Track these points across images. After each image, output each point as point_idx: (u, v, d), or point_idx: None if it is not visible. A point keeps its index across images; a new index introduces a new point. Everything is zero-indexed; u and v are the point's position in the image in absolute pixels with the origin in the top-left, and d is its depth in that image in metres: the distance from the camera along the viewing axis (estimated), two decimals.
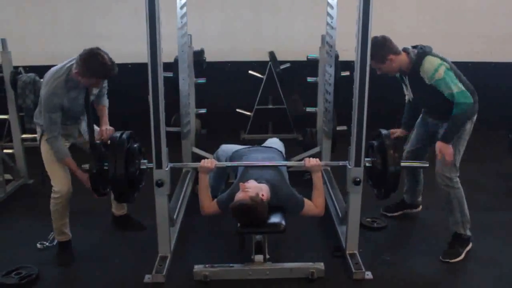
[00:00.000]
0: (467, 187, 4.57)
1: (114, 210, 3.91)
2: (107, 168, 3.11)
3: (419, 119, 3.78)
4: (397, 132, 3.82)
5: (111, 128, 3.45)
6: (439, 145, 3.28)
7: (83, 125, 3.54)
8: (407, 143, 3.88)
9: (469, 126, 3.39)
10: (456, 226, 3.50)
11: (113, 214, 3.94)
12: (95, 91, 3.45)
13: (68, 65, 3.22)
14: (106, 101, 3.66)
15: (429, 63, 3.24)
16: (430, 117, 3.63)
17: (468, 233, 3.51)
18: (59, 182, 3.38)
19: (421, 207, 4.10)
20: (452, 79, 3.19)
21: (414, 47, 3.38)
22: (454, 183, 3.44)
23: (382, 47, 3.29)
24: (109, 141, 3.27)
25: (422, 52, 3.30)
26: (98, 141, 3.34)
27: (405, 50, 3.38)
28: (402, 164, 3.17)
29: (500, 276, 3.27)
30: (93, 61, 3.08)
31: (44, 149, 3.39)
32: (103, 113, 3.59)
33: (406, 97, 3.77)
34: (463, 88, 3.18)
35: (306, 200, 3.28)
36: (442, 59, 3.28)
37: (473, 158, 5.54)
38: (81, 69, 3.09)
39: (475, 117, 3.42)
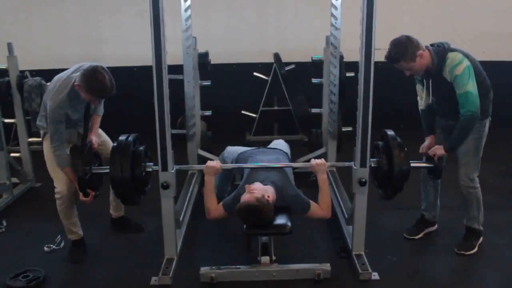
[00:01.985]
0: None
1: (112, 211, 3.94)
2: (95, 171, 3.22)
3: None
4: (427, 142, 3.56)
5: (97, 140, 3.49)
6: (439, 150, 3.31)
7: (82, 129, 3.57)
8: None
9: (487, 126, 3.41)
10: (472, 221, 3.55)
11: (111, 215, 3.95)
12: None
13: (73, 75, 3.26)
14: (101, 111, 3.69)
15: (452, 58, 3.17)
16: (446, 118, 3.49)
17: (481, 227, 3.58)
18: (60, 182, 3.41)
19: (437, 225, 3.92)
20: (469, 78, 3.13)
21: (432, 45, 3.30)
22: (475, 183, 3.46)
23: (410, 45, 3.18)
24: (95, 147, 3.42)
25: (443, 48, 3.23)
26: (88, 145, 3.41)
27: (426, 47, 3.27)
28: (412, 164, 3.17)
29: (508, 276, 3.25)
30: (93, 80, 3.13)
31: (47, 150, 3.43)
32: (95, 122, 3.62)
33: (421, 104, 3.59)
34: (475, 91, 3.12)
35: (312, 202, 3.28)
36: (465, 54, 3.21)
37: (481, 157, 5.55)
38: (81, 84, 3.15)
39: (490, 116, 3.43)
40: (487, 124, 3.41)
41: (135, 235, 3.87)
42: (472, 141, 3.35)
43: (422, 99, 3.56)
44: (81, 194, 3.33)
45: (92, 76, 3.13)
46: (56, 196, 3.44)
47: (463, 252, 3.48)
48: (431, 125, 3.60)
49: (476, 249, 3.51)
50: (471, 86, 3.13)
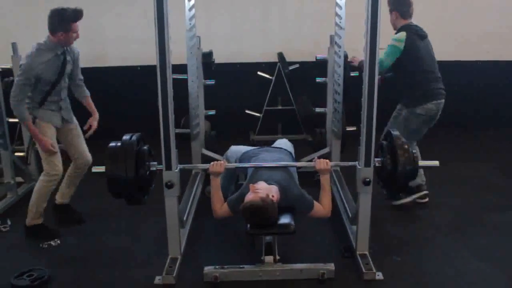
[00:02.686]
0: (475, 186, 4.58)
1: (58, 197, 4.02)
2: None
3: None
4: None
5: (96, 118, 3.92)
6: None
7: (67, 113, 3.88)
8: None
9: (417, 112, 4.01)
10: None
11: (55, 201, 4.03)
12: (69, 67, 3.79)
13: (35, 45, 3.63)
14: (86, 91, 4.01)
15: (400, 34, 3.97)
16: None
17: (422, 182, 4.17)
18: (57, 164, 3.72)
19: (426, 195, 4.21)
20: (391, 52, 3.94)
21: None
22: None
23: (393, 1, 4.05)
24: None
25: (405, 27, 4.01)
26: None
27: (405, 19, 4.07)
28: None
29: (510, 277, 3.24)
30: (62, 11, 3.55)
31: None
32: (89, 101, 3.99)
33: None
34: (385, 59, 3.93)
35: (315, 202, 3.28)
36: (409, 33, 3.96)
37: (481, 157, 5.55)
38: (53, 25, 3.59)
39: (441, 105, 4.05)
40: (418, 111, 4.00)
41: (140, 234, 3.87)
42: (403, 120, 4.08)
43: None
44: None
45: (57, 10, 3.55)
46: (50, 178, 3.71)
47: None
48: None
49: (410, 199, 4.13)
50: (386, 57, 3.93)
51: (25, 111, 3.55)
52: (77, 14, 3.56)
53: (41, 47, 3.61)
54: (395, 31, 4.07)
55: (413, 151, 3.35)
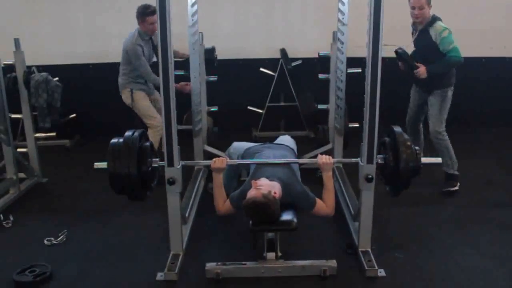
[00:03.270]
0: (478, 183, 4.58)
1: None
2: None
3: (412, 90, 4.73)
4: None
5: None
6: (422, 69, 4.21)
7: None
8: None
9: (450, 93, 4.34)
10: (447, 167, 4.43)
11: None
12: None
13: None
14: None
15: (440, 24, 4.20)
16: (420, 87, 4.56)
17: (456, 172, 4.45)
18: (157, 116, 4.76)
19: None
20: (453, 39, 4.16)
21: None
22: (444, 135, 4.38)
23: None
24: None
25: (437, 17, 4.27)
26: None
27: None
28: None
29: None
30: (141, 8, 4.63)
31: (138, 102, 4.84)
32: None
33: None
34: (458, 47, 4.17)
35: (317, 199, 3.27)
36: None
37: (484, 154, 5.53)
38: (140, 19, 4.66)
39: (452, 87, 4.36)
40: (450, 93, 4.34)
41: (142, 231, 3.87)
42: (438, 103, 4.34)
43: None
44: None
45: (143, 6, 4.62)
46: (154, 129, 4.71)
47: (448, 189, 4.37)
48: None
49: (457, 187, 4.40)
50: (454, 44, 4.16)
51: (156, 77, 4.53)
52: (151, 9, 4.58)
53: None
54: (421, 26, 4.30)
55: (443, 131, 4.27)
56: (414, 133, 4.78)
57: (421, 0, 4.15)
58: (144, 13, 4.59)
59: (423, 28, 4.28)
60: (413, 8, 4.24)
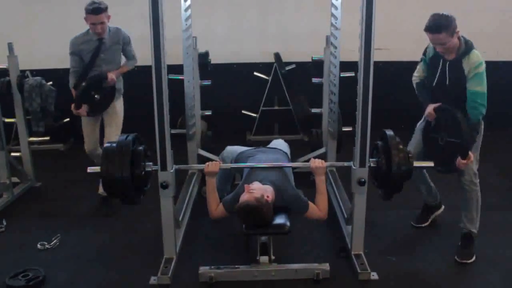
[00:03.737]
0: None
1: (101, 191, 4.12)
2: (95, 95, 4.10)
3: (421, 126, 3.68)
4: (429, 109, 3.47)
5: (114, 79, 4.19)
6: (464, 159, 3.27)
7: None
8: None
9: (482, 128, 3.46)
10: (470, 223, 3.53)
11: (101, 195, 4.12)
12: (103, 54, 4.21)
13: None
14: (130, 64, 4.48)
15: (477, 55, 3.26)
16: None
17: (476, 230, 3.56)
18: (85, 140, 4.31)
19: (443, 206, 4.02)
20: (485, 79, 3.26)
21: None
22: (477, 183, 3.50)
23: (453, 20, 3.24)
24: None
25: (471, 43, 3.32)
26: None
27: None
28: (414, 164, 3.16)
29: (507, 276, 3.25)
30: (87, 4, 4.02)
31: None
32: (123, 66, 4.41)
33: (416, 78, 3.65)
34: (486, 92, 3.25)
35: (310, 203, 3.28)
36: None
37: (481, 158, 5.54)
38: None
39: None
40: (483, 125, 3.47)
41: (136, 234, 3.87)
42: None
43: (419, 74, 3.63)
44: (73, 105, 4.08)
45: (89, 2, 4.02)
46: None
47: (465, 261, 3.41)
48: (429, 95, 3.55)
49: (474, 256, 3.45)
50: (486, 88, 3.24)
51: None
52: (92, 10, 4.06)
53: None
54: (453, 55, 3.34)
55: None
56: (423, 181, 3.85)
57: (440, 36, 3.22)
58: (85, 9, 4.07)
59: (454, 59, 3.33)
60: (434, 44, 3.36)
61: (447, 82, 3.40)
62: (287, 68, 6.03)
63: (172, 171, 3.19)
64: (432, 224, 3.95)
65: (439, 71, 3.42)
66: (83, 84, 4.08)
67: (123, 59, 4.49)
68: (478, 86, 3.22)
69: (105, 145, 3.30)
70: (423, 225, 3.94)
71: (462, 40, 3.30)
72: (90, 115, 4.18)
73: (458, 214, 3.66)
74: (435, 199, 3.93)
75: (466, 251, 3.48)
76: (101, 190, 4.17)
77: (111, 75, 4.14)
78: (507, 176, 5.02)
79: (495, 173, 5.08)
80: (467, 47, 3.29)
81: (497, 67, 6.40)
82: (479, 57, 3.26)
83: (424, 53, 3.57)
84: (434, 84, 3.48)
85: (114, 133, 4.10)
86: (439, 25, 3.21)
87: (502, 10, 6.34)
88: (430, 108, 3.46)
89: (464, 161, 3.27)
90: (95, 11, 3.98)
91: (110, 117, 4.29)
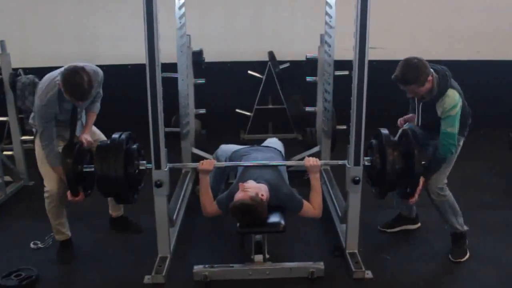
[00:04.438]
0: (468, 185, 4.59)
1: (111, 211, 3.91)
2: (86, 169, 3.19)
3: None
4: (407, 117, 3.65)
5: (90, 140, 3.42)
6: (422, 182, 3.26)
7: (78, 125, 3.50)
8: None
9: (460, 143, 3.45)
10: (452, 228, 3.53)
11: (111, 215, 3.93)
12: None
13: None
14: (96, 108, 3.60)
15: (451, 98, 3.21)
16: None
17: (464, 228, 3.53)
18: (50, 181, 3.38)
19: (419, 224, 3.95)
20: (458, 120, 3.23)
21: (434, 69, 3.26)
22: (445, 191, 3.45)
23: (424, 70, 3.15)
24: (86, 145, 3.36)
25: (445, 81, 3.23)
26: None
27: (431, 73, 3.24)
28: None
29: (501, 276, 3.27)
30: (71, 80, 3.05)
31: (38, 148, 3.39)
32: (89, 119, 3.55)
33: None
34: (457, 134, 3.25)
35: (305, 201, 3.28)
36: (459, 92, 3.28)
37: (473, 157, 5.55)
38: (61, 83, 3.09)
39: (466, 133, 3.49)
40: (461, 143, 3.46)
41: (130, 233, 3.85)
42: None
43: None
44: (69, 193, 3.25)
45: (70, 76, 3.05)
46: (45, 195, 3.41)
47: (459, 260, 3.43)
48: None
49: (468, 253, 3.48)
50: (457, 129, 3.23)
51: None
52: (81, 97, 3.17)
53: None
54: (427, 96, 3.28)
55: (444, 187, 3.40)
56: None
57: (409, 87, 3.20)
58: (64, 85, 3.08)
59: (428, 99, 3.30)
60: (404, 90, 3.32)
61: (420, 122, 3.45)
62: (281, 66, 6.03)
63: (166, 169, 3.18)
64: (426, 224, 3.93)
65: (420, 110, 3.44)
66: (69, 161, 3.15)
67: None
68: (449, 127, 3.21)
69: (98, 143, 3.29)
70: (388, 230, 3.87)
71: (435, 81, 3.22)
72: (87, 195, 3.40)
73: None
74: (409, 210, 3.87)
75: (458, 249, 3.49)
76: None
77: (86, 138, 3.39)
78: (503, 176, 5.04)
79: (492, 172, 5.10)
80: (440, 90, 3.22)
81: (491, 66, 6.45)
82: (454, 99, 3.20)
83: None
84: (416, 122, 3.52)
85: None
86: (407, 78, 3.16)
87: (495, 9, 6.35)
88: (404, 117, 3.65)
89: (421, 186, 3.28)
90: (81, 98, 3.18)
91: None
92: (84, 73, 3.08)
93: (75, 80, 3.04)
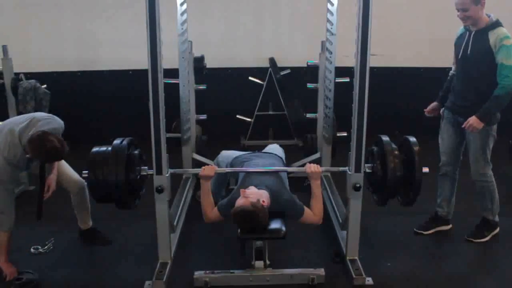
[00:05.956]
0: (467, 192, 4.57)
1: (80, 224, 3.82)
2: None
3: (444, 126, 3.82)
4: (432, 105, 3.87)
5: (54, 186, 3.47)
6: (472, 119, 3.40)
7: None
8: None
9: (495, 129, 3.60)
10: (486, 212, 3.78)
11: (79, 228, 3.84)
12: None
13: (23, 134, 3.13)
14: None
15: (505, 31, 3.34)
16: (460, 112, 3.63)
17: (496, 218, 3.80)
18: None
19: (451, 225, 3.99)
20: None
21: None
22: (488, 177, 3.69)
23: None
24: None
25: (500, 23, 3.40)
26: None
27: None
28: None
29: (503, 284, 3.27)
30: (42, 148, 3.03)
31: None
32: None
33: (453, 70, 3.81)
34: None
35: (306, 208, 3.28)
36: None
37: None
38: (31, 153, 3.07)
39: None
40: (495, 128, 3.60)
41: (130, 239, 3.85)
42: (479, 141, 3.57)
43: (454, 65, 3.78)
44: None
45: (41, 145, 3.01)
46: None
47: (471, 239, 3.71)
48: (445, 93, 3.83)
49: (487, 238, 3.73)
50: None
51: None
52: (57, 157, 3.24)
53: None
54: (475, 28, 3.45)
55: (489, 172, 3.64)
56: (451, 182, 3.93)
57: (469, 2, 3.33)
58: (37, 153, 3.08)
59: (480, 30, 3.43)
60: (457, 10, 3.44)
61: (468, 53, 3.50)
62: (282, 73, 6.04)
63: (167, 175, 3.18)
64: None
65: (464, 43, 3.54)
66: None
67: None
68: (505, 59, 3.29)
69: (95, 149, 3.24)
70: (424, 232, 3.91)
71: (491, 17, 3.41)
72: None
73: (456, 224, 3.69)
74: (448, 211, 3.94)
75: (476, 232, 3.76)
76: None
77: (52, 185, 3.50)
78: (503, 182, 5.02)
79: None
80: (496, 23, 3.38)
81: None
82: (507, 33, 3.33)
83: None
84: (459, 57, 3.60)
85: (72, 172, 3.69)
86: None
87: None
88: (431, 106, 3.87)
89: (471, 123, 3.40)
90: (60, 159, 3.28)
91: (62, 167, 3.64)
92: (50, 136, 3.06)
93: (46, 147, 3.02)
